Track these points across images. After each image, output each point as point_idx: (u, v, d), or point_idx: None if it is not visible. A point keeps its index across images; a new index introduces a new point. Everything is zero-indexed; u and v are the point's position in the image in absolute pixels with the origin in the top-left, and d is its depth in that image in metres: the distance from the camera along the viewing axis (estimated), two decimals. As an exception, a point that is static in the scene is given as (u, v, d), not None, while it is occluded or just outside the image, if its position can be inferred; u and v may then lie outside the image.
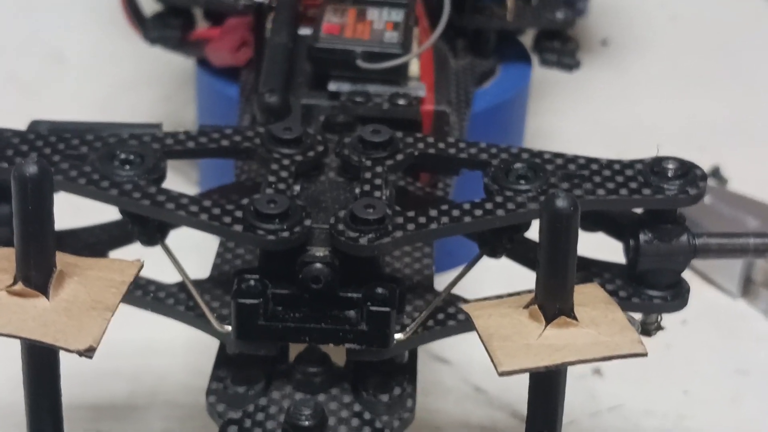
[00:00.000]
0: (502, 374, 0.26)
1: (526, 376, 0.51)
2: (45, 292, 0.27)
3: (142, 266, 0.29)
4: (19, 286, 0.27)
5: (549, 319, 0.27)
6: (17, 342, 0.32)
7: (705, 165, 0.62)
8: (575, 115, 0.67)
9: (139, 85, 0.68)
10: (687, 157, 0.39)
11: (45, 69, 0.70)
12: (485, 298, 0.33)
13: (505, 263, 0.41)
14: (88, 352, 0.26)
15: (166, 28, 0.55)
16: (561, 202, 0.26)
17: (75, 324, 0.26)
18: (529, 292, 0.29)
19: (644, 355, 0.27)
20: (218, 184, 0.44)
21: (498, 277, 0.40)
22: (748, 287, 0.54)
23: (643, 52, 0.73)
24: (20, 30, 0.73)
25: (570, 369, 0.50)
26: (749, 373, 0.50)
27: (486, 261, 0.54)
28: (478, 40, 0.56)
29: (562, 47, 0.57)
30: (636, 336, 0.27)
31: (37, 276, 0.27)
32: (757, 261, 0.53)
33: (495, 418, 0.47)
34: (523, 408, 0.48)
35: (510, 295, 0.31)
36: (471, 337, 0.47)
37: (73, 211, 0.40)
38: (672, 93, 0.70)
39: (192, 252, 0.41)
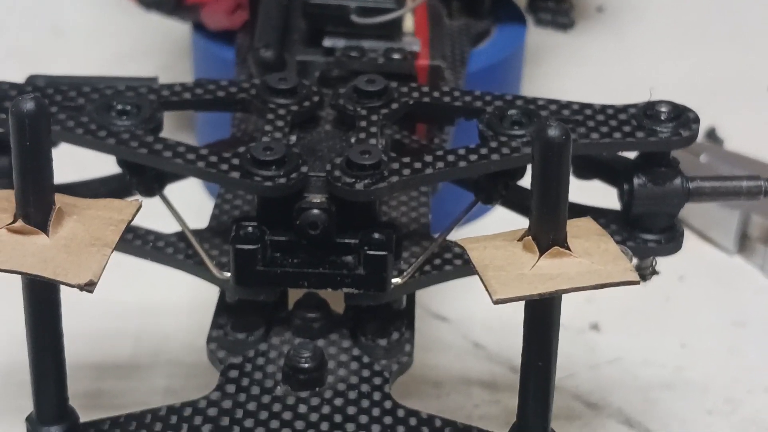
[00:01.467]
0: (497, 302, 0.27)
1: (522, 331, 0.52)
2: (44, 229, 0.27)
3: (140, 206, 0.29)
4: (19, 224, 0.27)
5: (543, 250, 0.27)
6: (19, 302, 0.32)
7: (702, 125, 0.62)
8: (572, 79, 0.67)
9: (137, 56, 0.68)
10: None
11: (44, 42, 0.70)
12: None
13: (502, 217, 0.41)
14: (89, 287, 0.26)
15: (162, -7, 0.55)
16: (553, 131, 0.26)
17: (74, 260, 0.27)
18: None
19: (636, 282, 0.27)
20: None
21: (494, 230, 0.41)
22: (744, 243, 0.54)
23: (639, 17, 0.73)
24: (19, 4, 0.73)
25: (568, 324, 0.51)
26: (746, 326, 0.50)
27: (485, 218, 0.55)
28: (473, 0, 0.56)
29: (557, 7, 0.57)
30: (629, 265, 0.27)
31: (36, 213, 0.27)
32: (753, 217, 0.54)
33: (494, 373, 0.48)
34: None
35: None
36: (470, 294, 0.48)
37: (75, 167, 0.41)
38: (668, 55, 0.70)
39: (190, 207, 0.41)
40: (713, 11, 0.74)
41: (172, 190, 0.40)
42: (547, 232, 0.27)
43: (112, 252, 0.27)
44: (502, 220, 0.39)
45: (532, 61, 0.66)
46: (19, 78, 0.42)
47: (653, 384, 0.47)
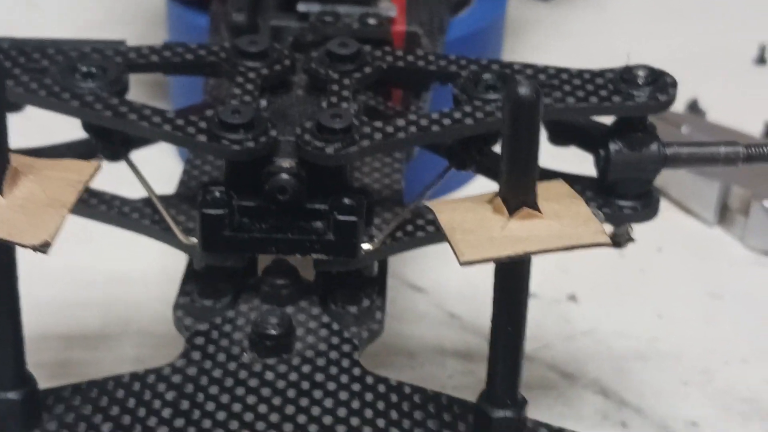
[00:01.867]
0: (463, 264, 0.26)
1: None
2: (-1, 189, 0.26)
3: (99, 167, 0.28)
4: (-27, 183, 0.26)
5: (512, 211, 0.27)
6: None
7: (684, 97, 0.62)
8: (553, 52, 0.67)
9: (112, 26, 0.67)
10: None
11: (18, 13, 0.69)
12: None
13: (483, 187, 0.40)
14: (43, 247, 0.26)
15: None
16: (523, 90, 0.26)
17: (30, 220, 0.26)
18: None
19: (608, 244, 0.27)
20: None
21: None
22: (724, 214, 0.54)
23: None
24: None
25: (544, 295, 0.50)
26: (723, 297, 0.50)
27: (465, 189, 0.54)
28: (452, -32, 0.55)
29: (537, -25, 0.56)
30: (599, 227, 0.27)
31: (-10, 173, 0.26)
32: (733, 188, 0.53)
33: (469, 343, 0.47)
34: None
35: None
36: (445, 265, 0.47)
37: (43, 133, 0.40)
38: (650, 27, 0.69)
39: (161, 174, 0.40)
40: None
41: (143, 156, 0.39)
42: (517, 194, 0.27)
43: (68, 212, 0.27)
44: (483, 189, 0.39)
45: (513, 33, 0.65)
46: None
47: (629, 354, 0.47)
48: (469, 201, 0.28)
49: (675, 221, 0.54)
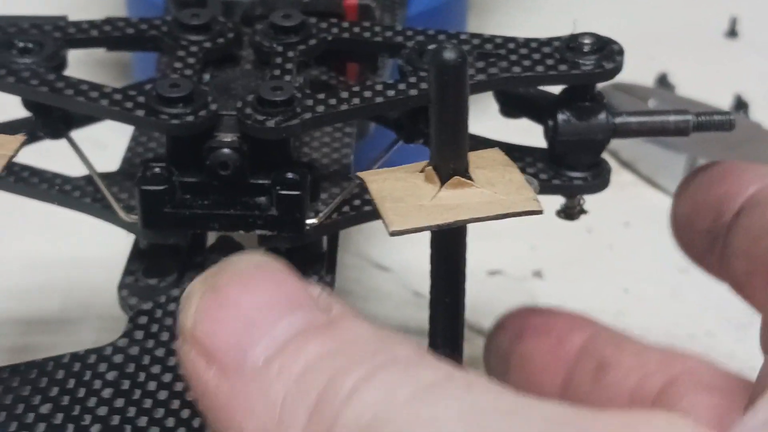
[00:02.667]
0: (392, 234, 0.25)
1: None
2: None
3: (24, 141, 0.28)
4: None
5: (443, 180, 0.26)
6: None
7: (654, 71, 0.61)
8: (520, 29, 0.65)
9: (76, 10, 0.67)
10: (635, 64, 0.37)
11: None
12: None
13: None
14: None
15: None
16: (448, 54, 0.25)
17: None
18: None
19: (539, 212, 0.26)
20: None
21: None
22: (692, 189, 0.53)
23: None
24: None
25: (510, 272, 0.50)
26: (689, 271, 0.49)
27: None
28: (413, -60, 0.55)
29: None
30: (532, 194, 0.26)
31: None
32: (700, 161, 0.53)
33: (432, 321, 0.47)
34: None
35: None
36: (410, 244, 0.46)
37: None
38: (619, 1, 0.69)
39: (103, 152, 0.40)
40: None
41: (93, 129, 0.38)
42: (448, 162, 0.26)
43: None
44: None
45: (478, 10, 0.64)
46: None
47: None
48: (401, 170, 0.27)
49: (643, 196, 0.54)
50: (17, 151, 0.27)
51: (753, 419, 0.22)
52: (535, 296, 0.48)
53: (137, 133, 0.38)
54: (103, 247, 0.49)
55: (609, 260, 0.50)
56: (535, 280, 0.49)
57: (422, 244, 0.43)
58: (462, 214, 0.26)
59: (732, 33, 0.65)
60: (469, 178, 0.26)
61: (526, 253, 0.50)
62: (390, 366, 0.22)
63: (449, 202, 0.26)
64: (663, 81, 0.60)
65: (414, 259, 0.53)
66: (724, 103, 0.59)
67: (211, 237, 0.36)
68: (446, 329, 0.29)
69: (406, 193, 0.26)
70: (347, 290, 0.49)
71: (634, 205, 0.52)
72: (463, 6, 0.57)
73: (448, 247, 0.27)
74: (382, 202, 0.26)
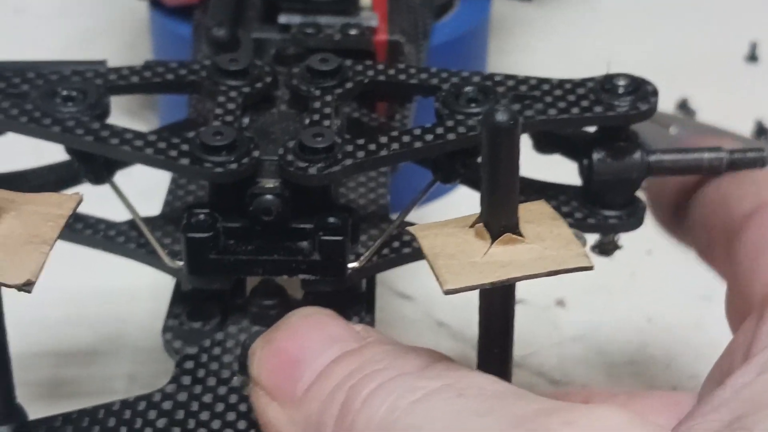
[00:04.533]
0: (447, 293, 0.26)
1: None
2: (-20, 227, 0.26)
3: (80, 199, 0.28)
4: (-47, 222, 0.26)
5: (494, 237, 0.27)
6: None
7: (674, 96, 0.62)
8: (541, 52, 0.67)
9: (99, 34, 0.67)
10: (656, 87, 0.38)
11: (6, 22, 0.69)
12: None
13: (466, 194, 0.40)
14: (27, 287, 0.25)
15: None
16: (500, 116, 0.25)
17: (11, 259, 0.26)
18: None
19: (590, 268, 0.27)
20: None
21: (458, 208, 0.40)
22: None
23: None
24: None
25: (533, 301, 0.50)
26: (713, 299, 0.50)
27: (450, 196, 0.54)
28: (435, -29, 0.55)
29: (520, -24, 0.56)
30: (581, 250, 0.27)
31: (-30, 211, 0.26)
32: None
33: (458, 351, 0.48)
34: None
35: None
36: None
37: (34, 153, 0.40)
38: (640, 26, 0.69)
39: (144, 195, 0.40)
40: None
41: (133, 171, 0.39)
42: (499, 219, 0.27)
43: (50, 249, 0.27)
44: (467, 197, 0.38)
45: (499, 34, 0.65)
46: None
47: (618, 360, 0.47)
48: (451, 225, 0.28)
49: (665, 224, 0.54)
50: (74, 210, 0.28)
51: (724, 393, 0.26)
52: (558, 325, 0.49)
53: (177, 176, 0.39)
54: (133, 278, 0.50)
55: (632, 289, 0.50)
56: (558, 309, 0.50)
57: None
58: (514, 271, 0.26)
59: (752, 57, 0.66)
60: (519, 234, 0.27)
61: (548, 282, 0.50)
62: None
63: (500, 259, 0.27)
64: (684, 106, 0.61)
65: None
66: (745, 128, 0.59)
67: (251, 279, 0.37)
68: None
69: (457, 250, 0.27)
70: (371, 318, 0.50)
71: (656, 232, 0.53)
72: (485, 34, 0.57)
73: (498, 301, 0.28)
74: (435, 260, 0.27)
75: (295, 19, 0.44)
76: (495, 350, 0.29)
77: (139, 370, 0.46)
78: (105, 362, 0.47)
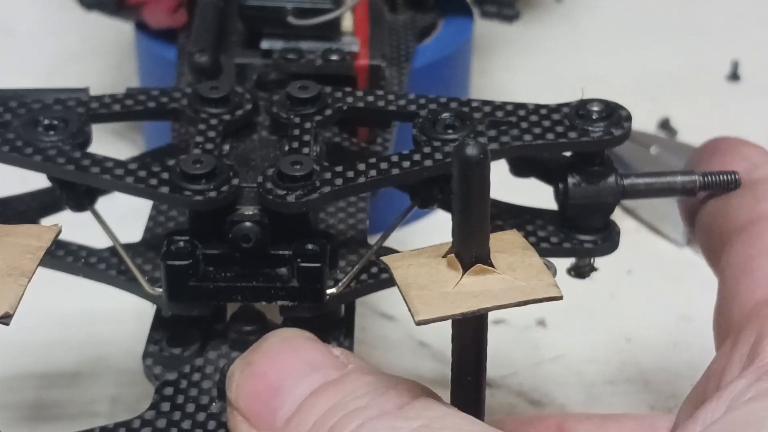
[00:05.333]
0: (419, 323, 0.26)
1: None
2: (-41, 259, 0.27)
3: (59, 231, 0.28)
4: (-68, 255, 0.26)
5: (466, 267, 0.27)
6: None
7: (656, 116, 0.62)
8: (525, 71, 0.67)
9: (85, 55, 0.68)
10: (638, 109, 0.38)
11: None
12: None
13: (444, 217, 0.41)
14: (4, 319, 0.26)
15: (102, -6, 0.54)
16: (470, 150, 0.26)
17: (-10, 290, 0.26)
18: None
19: (559, 298, 0.27)
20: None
21: (437, 231, 0.41)
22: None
23: (595, 8, 0.73)
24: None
25: (513, 321, 0.51)
26: (692, 319, 0.50)
27: (428, 219, 0.55)
28: (417, -7, 0.56)
29: (502, -1, 0.57)
30: (551, 280, 0.27)
31: (-50, 244, 0.27)
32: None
33: (438, 372, 0.48)
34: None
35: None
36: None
37: (19, 181, 0.40)
38: (622, 46, 0.69)
39: (127, 219, 0.41)
40: (669, 1, 0.74)
41: (115, 196, 0.39)
42: (470, 249, 0.27)
43: (29, 282, 0.27)
44: (445, 220, 0.39)
45: (483, 54, 0.65)
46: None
47: (596, 380, 0.47)
48: (423, 255, 0.28)
49: (645, 243, 0.55)
50: (53, 242, 0.28)
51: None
52: (538, 345, 0.49)
53: (158, 203, 0.39)
54: (116, 301, 0.50)
55: (612, 309, 0.51)
56: (539, 328, 0.50)
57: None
58: (485, 301, 0.27)
59: (734, 76, 0.66)
60: (491, 264, 0.27)
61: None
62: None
63: (472, 289, 0.27)
64: (665, 125, 0.62)
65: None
66: (724, 148, 0.60)
67: (231, 305, 0.37)
68: (467, 406, 0.29)
69: (430, 280, 0.27)
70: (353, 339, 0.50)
71: (636, 252, 0.53)
72: (468, 55, 0.58)
73: (471, 330, 0.28)
74: (407, 290, 0.27)
75: (278, 45, 0.45)
76: (468, 377, 0.29)
77: (122, 393, 0.47)
78: (88, 385, 0.47)
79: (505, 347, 0.49)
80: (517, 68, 0.67)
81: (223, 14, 0.46)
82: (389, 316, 0.51)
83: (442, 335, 0.50)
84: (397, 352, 0.49)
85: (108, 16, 0.56)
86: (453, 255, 0.27)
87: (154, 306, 0.37)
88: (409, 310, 0.27)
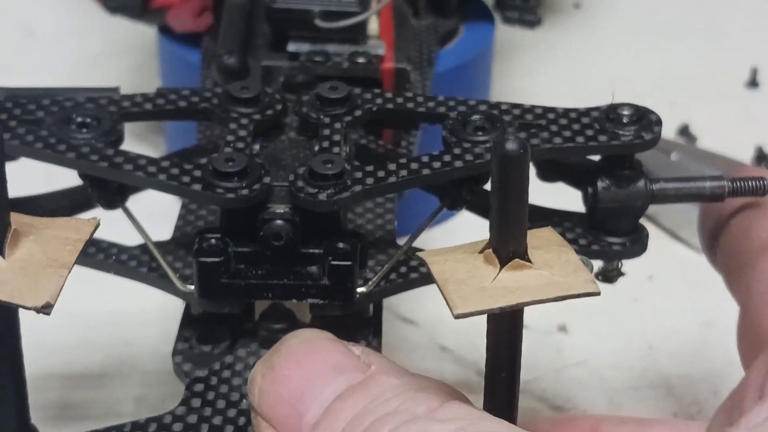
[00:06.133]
0: (457, 317, 0.26)
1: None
2: (0, 251, 0.27)
3: (98, 224, 0.29)
4: (-27, 246, 0.27)
5: (503, 262, 0.27)
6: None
7: (675, 121, 0.62)
8: (545, 75, 0.67)
9: (107, 57, 0.68)
10: (658, 113, 0.39)
11: (16, 44, 0.70)
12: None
13: (471, 218, 0.41)
14: (45, 309, 0.26)
15: (126, -3, 0.55)
16: (510, 145, 0.26)
17: (31, 282, 0.26)
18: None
19: (597, 293, 0.27)
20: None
21: (462, 232, 0.41)
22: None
23: (614, 13, 0.73)
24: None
25: (535, 326, 0.51)
26: (714, 325, 0.50)
27: (455, 220, 0.55)
28: (439, -1, 0.56)
29: (524, 4, 0.57)
30: (589, 276, 0.27)
31: (-10, 235, 0.27)
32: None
33: (460, 376, 0.48)
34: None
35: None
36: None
37: (45, 179, 0.40)
38: (642, 51, 0.70)
39: (154, 217, 0.41)
40: (689, 7, 0.74)
41: (142, 195, 0.40)
42: (507, 245, 0.27)
43: (69, 273, 0.27)
44: (469, 222, 0.39)
45: (503, 59, 0.66)
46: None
47: (619, 386, 0.47)
48: (460, 251, 0.28)
49: (666, 249, 0.55)
50: (91, 234, 0.28)
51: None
52: (560, 351, 0.49)
53: (187, 202, 0.39)
54: (140, 302, 0.50)
55: (633, 315, 0.51)
56: (560, 334, 0.50)
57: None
58: (523, 296, 0.27)
59: (753, 83, 0.66)
60: (528, 260, 0.28)
61: (551, 307, 0.51)
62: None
63: (509, 285, 0.27)
64: (685, 131, 0.62)
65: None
66: (746, 154, 0.60)
67: (260, 302, 0.37)
68: (501, 403, 0.30)
69: (467, 275, 0.27)
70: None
71: (658, 258, 0.53)
72: (489, 60, 0.58)
73: (506, 326, 0.28)
74: (445, 285, 0.27)
75: (304, 47, 0.45)
76: (502, 374, 0.29)
77: (147, 393, 0.47)
78: (113, 385, 0.47)
79: (527, 352, 0.49)
80: (537, 73, 0.67)
81: (249, 16, 0.46)
82: (411, 321, 0.51)
83: (463, 339, 0.51)
84: (419, 356, 0.49)
85: (132, 20, 0.56)
86: (490, 251, 0.28)
87: (181, 305, 0.37)
88: (448, 303, 0.27)
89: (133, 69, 0.67)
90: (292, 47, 0.45)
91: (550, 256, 0.28)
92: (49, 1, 0.73)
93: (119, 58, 0.68)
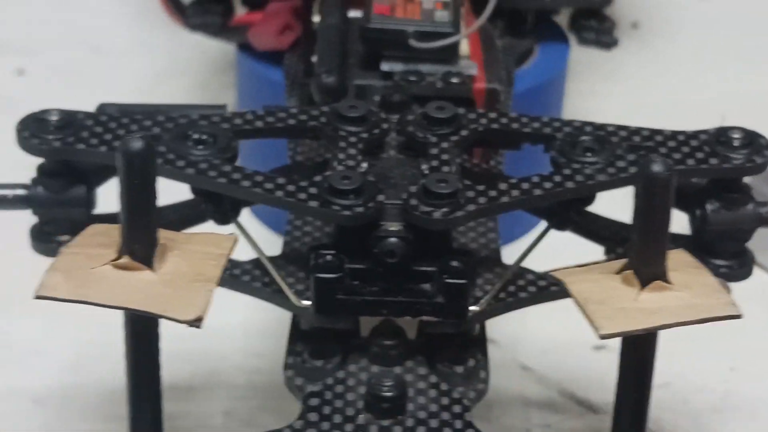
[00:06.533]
0: (602, 337, 0.27)
1: (570, 354, 0.51)
2: (149, 264, 0.27)
3: (237, 240, 0.29)
4: (125, 260, 0.27)
5: (644, 283, 0.28)
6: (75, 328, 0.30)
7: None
8: (611, 96, 0.67)
9: (175, 73, 0.69)
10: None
11: (83, 60, 0.70)
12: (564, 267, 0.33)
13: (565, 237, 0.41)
14: (197, 322, 0.26)
15: (207, 15, 0.55)
16: (657, 167, 0.26)
17: (180, 296, 0.27)
18: (611, 260, 0.29)
19: (739, 317, 0.27)
20: (253, 167, 0.44)
21: (561, 252, 0.41)
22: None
23: (674, 33, 0.73)
24: (58, 23, 0.73)
25: (615, 347, 0.50)
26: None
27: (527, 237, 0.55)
28: (515, 20, 0.57)
29: (600, 25, 0.57)
30: (729, 298, 0.28)
31: (141, 249, 0.27)
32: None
33: (543, 396, 0.48)
34: (569, 385, 0.49)
35: (595, 263, 0.31)
36: (518, 317, 0.48)
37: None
38: (716, 71, 0.70)
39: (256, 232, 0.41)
40: (749, 24, 0.74)
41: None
42: (648, 266, 0.28)
43: (215, 287, 0.27)
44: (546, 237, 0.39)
45: (574, 78, 0.66)
46: (63, 97, 0.41)
47: (703, 408, 0.47)
48: (594, 271, 0.29)
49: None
50: (232, 250, 0.28)
51: None
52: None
53: (293, 218, 0.40)
54: (226, 314, 0.51)
55: (715, 337, 0.50)
56: (643, 353, 0.50)
57: (529, 316, 0.44)
58: (664, 318, 0.27)
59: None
60: (668, 282, 0.28)
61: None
62: None
63: (649, 306, 0.27)
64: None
65: (522, 331, 0.54)
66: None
67: (366, 319, 0.38)
68: (631, 425, 0.30)
69: (605, 296, 0.28)
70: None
71: (738, 282, 0.53)
72: (563, 81, 0.58)
73: (641, 348, 0.29)
74: (586, 304, 0.28)
75: (398, 67, 0.45)
76: (634, 396, 0.29)
77: (235, 407, 0.47)
78: (201, 398, 0.47)
79: (608, 373, 0.49)
80: (603, 93, 0.67)
81: (344, 36, 0.47)
82: (492, 340, 0.51)
83: (544, 359, 0.51)
84: (501, 376, 0.49)
85: (210, 38, 0.57)
86: (630, 271, 0.28)
87: (265, 320, 0.38)
88: (591, 323, 0.27)
89: (201, 85, 0.68)
90: (385, 66, 0.45)
91: (689, 277, 0.28)
92: (114, 18, 0.74)
93: (186, 74, 0.68)
